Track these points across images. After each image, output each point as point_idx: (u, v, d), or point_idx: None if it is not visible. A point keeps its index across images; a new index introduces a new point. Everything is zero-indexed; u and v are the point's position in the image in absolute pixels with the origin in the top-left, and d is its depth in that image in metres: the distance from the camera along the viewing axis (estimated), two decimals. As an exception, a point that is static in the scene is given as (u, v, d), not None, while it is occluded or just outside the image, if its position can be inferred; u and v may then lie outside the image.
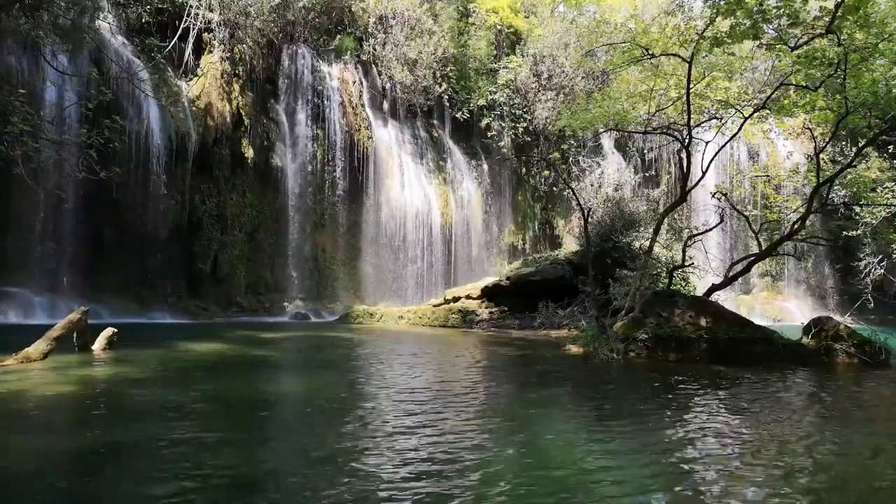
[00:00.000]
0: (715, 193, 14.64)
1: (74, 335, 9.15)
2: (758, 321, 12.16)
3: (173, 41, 19.81)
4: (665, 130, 15.15)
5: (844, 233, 20.82)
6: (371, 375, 8.54)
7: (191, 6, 20.08)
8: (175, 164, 19.27)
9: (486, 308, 18.13)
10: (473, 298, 18.72)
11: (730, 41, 10.93)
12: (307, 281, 22.44)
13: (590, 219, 14.35)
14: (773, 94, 12.59)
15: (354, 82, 24.20)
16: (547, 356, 10.93)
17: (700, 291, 13.84)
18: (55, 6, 14.50)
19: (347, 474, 4.01)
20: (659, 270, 15.83)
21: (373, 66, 25.03)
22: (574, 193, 15.28)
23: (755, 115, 13.04)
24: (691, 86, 12.03)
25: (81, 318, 9.13)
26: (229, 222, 20.79)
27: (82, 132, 13.50)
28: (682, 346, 10.18)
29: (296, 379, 8.35)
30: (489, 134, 27.06)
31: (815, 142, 14.07)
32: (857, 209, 18.93)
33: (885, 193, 18.08)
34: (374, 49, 24.89)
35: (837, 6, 10.14)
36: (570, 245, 24.16)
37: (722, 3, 10.51)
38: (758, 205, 24.88)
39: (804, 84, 11.93)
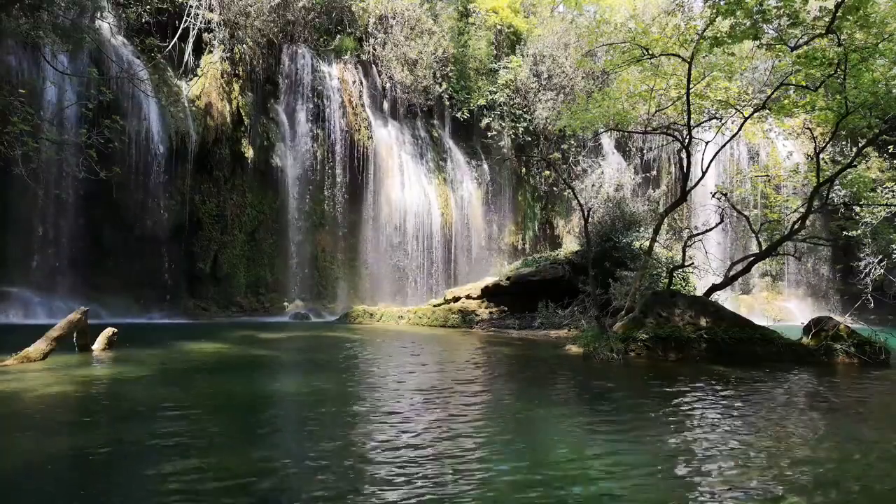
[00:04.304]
0: (715, 193, 14.65)
1: (74, 335, 9.16)
2: (758, 321, 12.15)
3: (173, 41, 19.83)
4: (665, 130, 15.16)
5: (844, 233, 20.82)
6: (370, 376, 8.54)
7: (191, 6, 20.09)
8: (175, 164, 19.28)
9: (486, 308, 18.12)
10: (473, 298, 18.71)
11: (730, 41, 10.92)
12: (307, 281, 22.46)
13: (590, 219, 14.35)
14: (773, 94, 12.59)
15: (354, 82, 24.21)
16: (547, 356, 10.93)
17: (700, 291, 13.83)
18: (55, 6, 14.51)
19: (347, 474, 4.01)
20: (659, 270, 15.83)
21: (373, 66, 25.04)
22: (574, 193, 15.28)
23: (755, 115, 13.04)
24: (691, 86, 12.04)
25: (81, 318, 9.14)
26: (229, 222, 20.80)
27: (82, 132, 13.51)
28: (682, 346, 10.18)
29: (295, 379, 8.34)
30: (489, 134, 27.06)
31: (815, 142, 14.06)
32: (857, 209, 18.92)
33: (885, 193, 18.07)
34: (374, 49, 24.90)
35: (837, 6, 10.14)
36: (570, 245, 24.17)
37: (722, 3, 10.50)
38: (758, 205, 24.88)
39: (804, 84, 11.93)
